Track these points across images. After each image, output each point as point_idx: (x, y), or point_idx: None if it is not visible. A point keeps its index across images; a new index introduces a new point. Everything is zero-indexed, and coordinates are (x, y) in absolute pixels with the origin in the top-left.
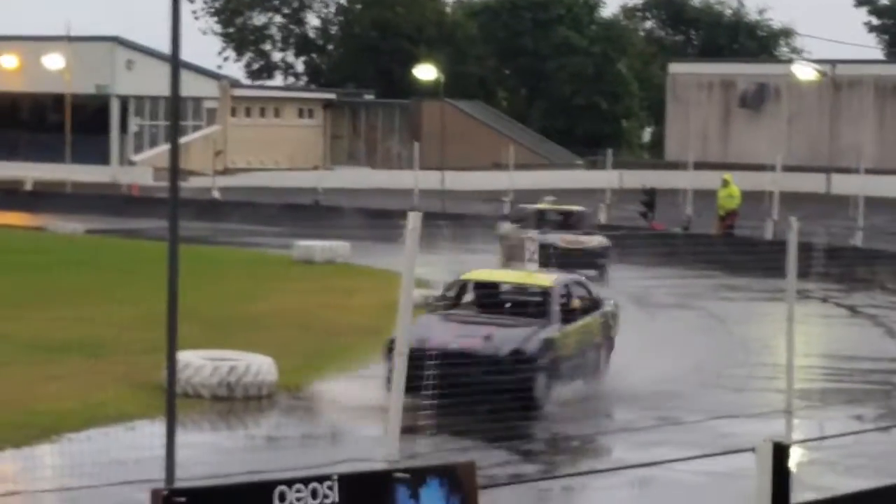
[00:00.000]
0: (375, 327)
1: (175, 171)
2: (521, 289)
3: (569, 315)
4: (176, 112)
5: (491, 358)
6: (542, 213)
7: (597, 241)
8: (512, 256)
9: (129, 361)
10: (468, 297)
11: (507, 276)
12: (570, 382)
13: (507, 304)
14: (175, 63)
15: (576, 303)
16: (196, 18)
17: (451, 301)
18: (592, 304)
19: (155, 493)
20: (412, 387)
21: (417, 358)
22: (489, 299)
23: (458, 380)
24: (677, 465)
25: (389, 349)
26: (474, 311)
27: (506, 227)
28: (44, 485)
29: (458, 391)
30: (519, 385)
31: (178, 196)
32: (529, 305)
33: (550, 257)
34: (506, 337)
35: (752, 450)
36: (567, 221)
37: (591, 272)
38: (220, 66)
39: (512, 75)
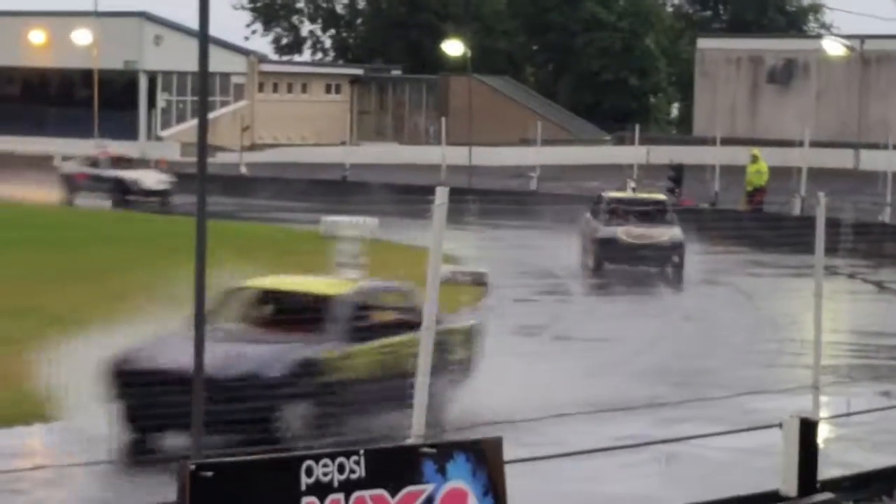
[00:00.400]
0: None
1: (203, 147)
2: (305, 298)
3: (373, 331)
4: (204, 87)
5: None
6: (615, 201)
7: (668, 234)
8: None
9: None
10: (248, 307)
11: (289, 284)
12: (364, 411)
13: (282, 317)
14: (203, 38)
15: (386, 316)
16: None
17: (229, 312)
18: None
19: (182, 467)
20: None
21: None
22: (261, 311)
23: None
24: (703, 441)
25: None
26: (247, 326)
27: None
28: (72, 458)
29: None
30: (255, 414)
31: (205, 171)
32: (310, 319)
33: (612, 253)
34: (245, 356)
35: (780, 426)
36: (644, 211)
37: (659, 269)
38: (247, 38)
39: (539, 51)
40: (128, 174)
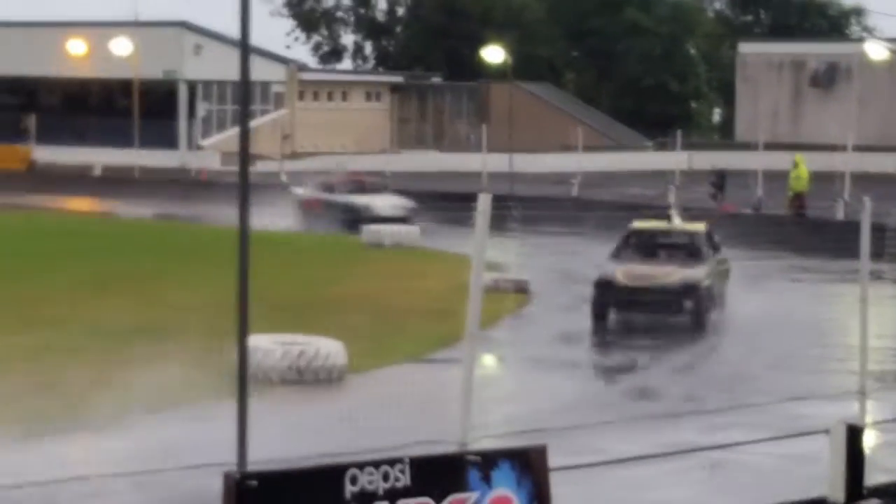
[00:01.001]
0: (445, 310)
1: (245, 155)
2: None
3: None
4: (246, 96)
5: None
6: (637, 233)
7: (680, 275)
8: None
9: (198, 345)
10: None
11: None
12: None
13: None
14: (244, 47)
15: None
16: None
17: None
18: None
19: (227, 477)
20: None
21: None
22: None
23: None
24: (749, 448)
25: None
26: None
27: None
28: (114, 468)
29: None
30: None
31: (248, 180)
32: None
33: (608, 299)
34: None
35: (826, 432)
36: (673, 245)
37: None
38: (288, 47)
39: (580, 57)
40: (359, 199)
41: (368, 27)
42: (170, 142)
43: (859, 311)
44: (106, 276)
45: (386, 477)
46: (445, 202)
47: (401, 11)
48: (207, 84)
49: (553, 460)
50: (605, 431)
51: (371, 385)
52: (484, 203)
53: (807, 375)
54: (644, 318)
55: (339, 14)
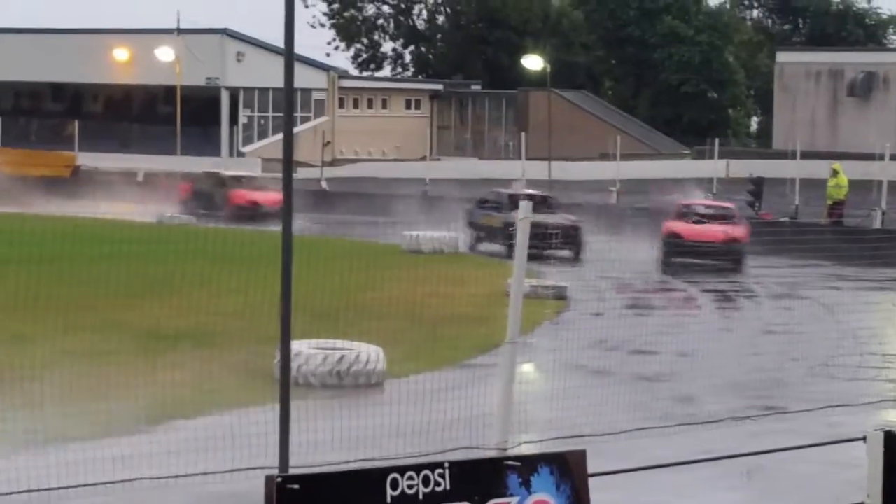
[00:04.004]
0: (484, 317)
1: (289, 161)
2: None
3: None
4: (290, 103)
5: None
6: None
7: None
8: None
9: (241, 350)
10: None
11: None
12: None
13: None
14: (289, 55)
15: None
16: (306, 7)
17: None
18: None
19: (269, 480)
20: None
21: None
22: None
23: None
24: (787, 455)
25: None
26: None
27: None
28: (157, 471)
29: None
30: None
31: (291, 186)
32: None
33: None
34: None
35: (863, 439)
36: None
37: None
38: (328, 55)
39: (618, 65)
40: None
41: (408, 35)
42: (212, 148)
43: None
44: (149, 281)
45: (426, 481)
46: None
47: (441, 20)
48: (249, 91)
49: (592, 465)
50: (642, 437)
51: (409, 390)
52: (525, 210)
53: (843, 383)
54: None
55: (380, 22)
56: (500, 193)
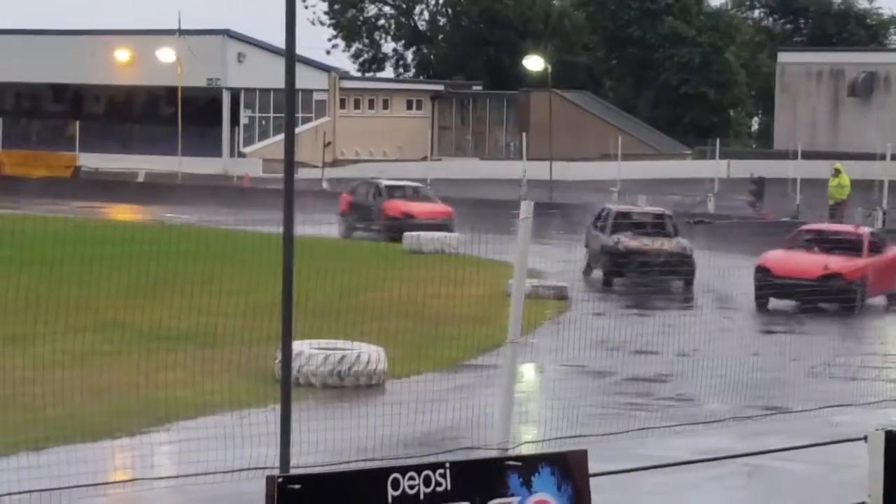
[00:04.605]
0: (485, 317)
1: (290, 162)
2: None
3: None
4: (291, 104)
5: None
6: None
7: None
8: None
9: (241, 351)
10: None
11: None
12: None
13: None
14: (290, 56)
15: None
16: (306, 7)
17: None
18: None
19: (270, 480)
20: None
21: None
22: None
23: None
24: (788, 455)
25: None
26: None
27: None
28: (158, 472)
29: None
30: None
31: (293, 186)
32: None
33: None
34: None
35: (864, 439)
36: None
37: None
38: (328, 52)
39: (619, 65)
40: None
41: (410, 36)
42: (212, 149)
43: None
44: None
45: (427, 481)
46: (486, 209)
47: (442, 21)
48: (250, 92)
49: (593, 466)
50: (642, 437)
51: (410, 390)
52: (526, 210)
53: (844, 383)
54: None
55: (381, 22)
56: (609, 211)
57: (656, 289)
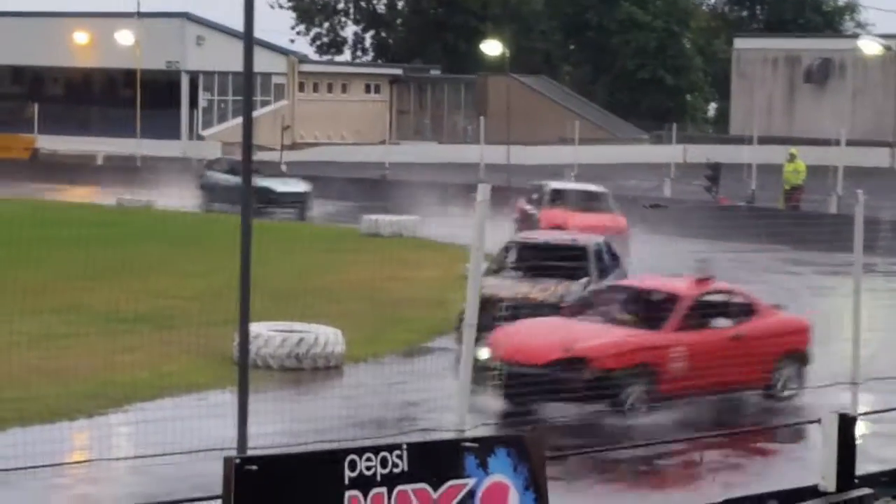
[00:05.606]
0: (442, 300)
1: (248, 145)
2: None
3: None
4: (249, 87)
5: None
6: None
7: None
8: None
9: (199, 333)
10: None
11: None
12: None
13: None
14: (248, 39)
15: None
16: None
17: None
18: None
19: (227, 461)
20: None
21: None
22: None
23: None
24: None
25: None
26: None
27: None
28: (116, 453)
29: None
30: None
31: (251, 169)
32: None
33: None
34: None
35: (818, 421)
36: None
37: None
38: (292, 41)
39: (576, 50)
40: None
41: (369, 19)
42: (171, 132)
43: (853, 302)
44: (107, 264)
45: (384, 463)
46: (444, 193)
47: (400, 4)
48: (209, 75)
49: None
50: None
51: (368, 372)
52: (483, 193)
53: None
54: None
55: (341, 6)
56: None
57: None
